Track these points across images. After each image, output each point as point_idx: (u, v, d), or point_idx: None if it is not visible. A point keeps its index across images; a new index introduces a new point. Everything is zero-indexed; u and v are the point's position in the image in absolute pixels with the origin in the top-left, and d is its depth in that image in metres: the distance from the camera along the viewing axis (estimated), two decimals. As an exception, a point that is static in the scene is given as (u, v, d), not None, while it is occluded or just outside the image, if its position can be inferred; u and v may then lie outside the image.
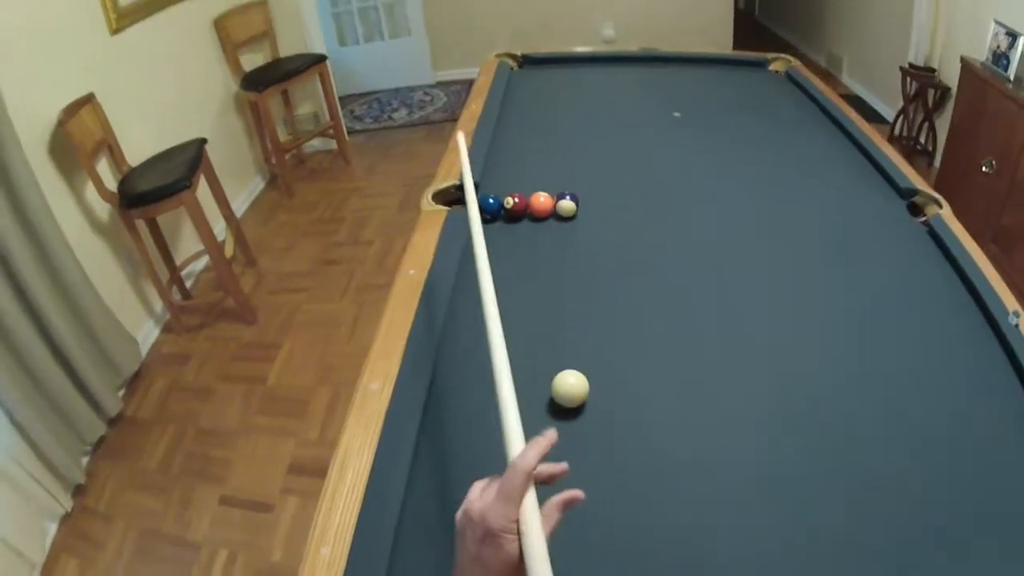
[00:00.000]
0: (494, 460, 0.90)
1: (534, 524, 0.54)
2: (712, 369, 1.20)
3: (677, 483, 0.99)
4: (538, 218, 1.64)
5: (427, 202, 1.70)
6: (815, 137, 2.08)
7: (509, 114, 2.29)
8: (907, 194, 1.72)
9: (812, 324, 1.30)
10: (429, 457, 1.03)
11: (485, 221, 1.64)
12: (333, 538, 0.90)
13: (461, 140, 0.87)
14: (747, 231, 1.61)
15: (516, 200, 1.62)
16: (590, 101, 2.45)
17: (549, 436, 0.59)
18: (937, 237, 1.53)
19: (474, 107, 2.29)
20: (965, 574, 0.85)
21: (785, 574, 0.85)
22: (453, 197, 1.74)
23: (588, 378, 1.08)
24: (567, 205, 1.62)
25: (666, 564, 0.87)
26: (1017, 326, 1.21)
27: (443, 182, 1.78)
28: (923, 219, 1.63)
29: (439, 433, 1.07)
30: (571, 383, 1.07)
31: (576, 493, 0.59)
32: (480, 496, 0.57)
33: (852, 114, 2.18)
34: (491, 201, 1.64)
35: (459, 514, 0.59)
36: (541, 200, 1.63)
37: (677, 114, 2.22)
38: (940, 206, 1.65)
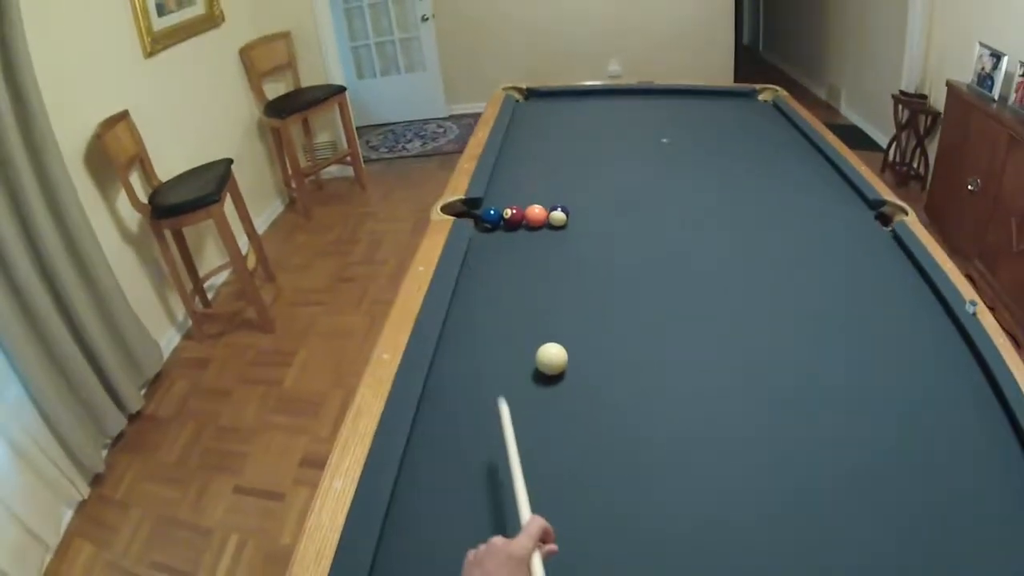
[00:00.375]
0: (485, 415, 1.12)
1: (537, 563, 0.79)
2: (684, 349, 1.37)
3: (646, 448, 1.14)
4: (533, 227, 1.85)
5: (436, 213, 1.90)
6: (794, 158, 2.26)
7: (512, 141, 2.50)
8: (875, 205, 1.89)
9: (782, 316, 1.46)
10: (430, 412, 1.21)
11: (485, 230, 1.85)
12: (344, 473, 1.05)
13: (504, 409, 1.07)
14: (725, 239, 1.79)
15: (514, 211, 1.84)
16: (586, 130, 2.66)
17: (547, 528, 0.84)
18: (901, 241, 1.70)
19: (480, 135, 2.49)
20: (927, 534, 0.96)
21: (759, 539, 0.96)
22: (459, 210, 1.95)
23: (568, 351, 1.27)
24: (558, 216, 1.83)
25: (637, 524, 1.00)
26: (975, 314, 1.36)
27: (450, 197, 1.98)
28: (890, 228, 1.79)
29: (439, 394, 1.25)
30: (553, 352, 1.25)
31: (553, 548, 0.84)
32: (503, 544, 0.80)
33: (830, 137, 2.36)
34: (492, 212, 1.85)
35: (476, 551, 0.81)
36: (536, 211, 1.84)
37: (665, 140, 2.41)
38: (906, 213, 1.82)
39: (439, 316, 1.44)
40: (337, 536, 0.95)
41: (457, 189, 2.03)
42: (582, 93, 3.07)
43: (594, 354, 1.34)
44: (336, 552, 0.92)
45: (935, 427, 1.14)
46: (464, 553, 0.80)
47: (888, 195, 1.91)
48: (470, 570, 0.79)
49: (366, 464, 1.07)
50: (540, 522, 0.82)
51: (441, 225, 1.82)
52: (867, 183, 1.98)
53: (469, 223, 1.85)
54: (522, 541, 0.80)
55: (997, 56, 3.08)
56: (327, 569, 0.90)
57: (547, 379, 1.27)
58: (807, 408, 1.19)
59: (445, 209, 1.92)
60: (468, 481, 1.07)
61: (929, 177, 3.96)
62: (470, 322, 1.46)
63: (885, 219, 1.86)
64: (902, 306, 1.48)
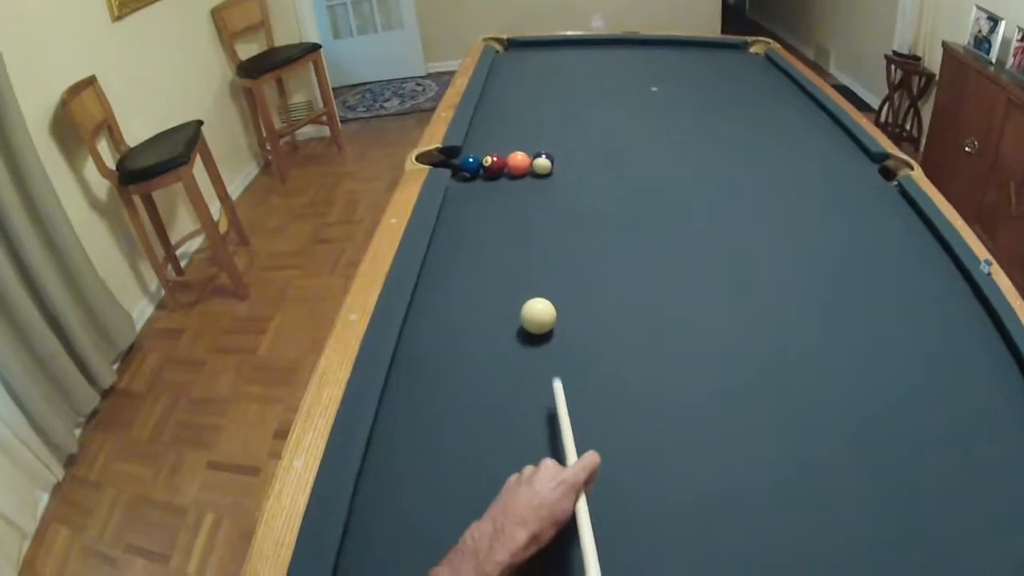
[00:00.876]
0: (463, 380, 1.05)
1: (583, 504, 0.76)
2: (683, 304, 1.25)
3: (635, 406, 1.03)
4: (515, 175, 1.70)
5: (411, 162, 1.76)
6: (791, 110, 2.14)
7: (492, 90, 2.35)
8: (879, 158, 1.78)
9: (784, 270, 1.35)
10: (403, 378, 1.08)
11: (464, 179, 1.71)
12: (307, 450, 0.94)
13: (559, 388, 0.94)
14: (719, 189, 1.66)
15: (494, 159, 1.69)
16: (570, 79, 2.51)
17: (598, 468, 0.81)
18: (908, 196, 1.58)
19: (459, 83, 2.35)
20: (942, 499, 0.87)
21: (767, 509, 0.86)
22: (436, 159, 1.80)
23: (557, 307, 1.14)
24: (542, 163, 1.68)
25: (636, 498, 0.89)
26: (989, 274, 1.26)
27: (427, 145, 1.84)
28: (895, 183, 1.68)
29: (413, 358, 1.13)
30: (539, 309, 1.12)
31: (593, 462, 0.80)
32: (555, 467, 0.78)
33: (828, 90, 2.24)
34: (471, 160, 1.71)
35: (520, 473, 0.78)
36: (518, 158, 1.69)
37: (655, 88, 2.28)
38: (911, 168, 1.71)
39: (412, 272, 1.30)
40: (299, 522, 0.83)
41: (434, 138, 1.89)
42: (565, 43, 2.92)
43: (585, 310, 1.22)
44: (297, 540, 0.81)
45: (951, 389, 1.05)
46: (443, 534, 0.72)
47: (892, 149, 1.80)
48: (515, 487, 0.76)
49: (330, 439, 0.95)
50: (597, 459, 0.80)
51: (416, 175, 1.69)
52: (869, 135, 1.87)
53: (446, 173, 1.72)
54: (575, 469, 0.77)
55: (994, 20, 3.00)
56: (288, 559, 0.79)
57: (533, 339, 1.14)
58: (816, 368, 1.09)
59: (421, 159, 1.78)
60: (446, 454, 0.96)
61: (923, 139, 3.88)
62: (447, 278, 1.33)
63: (888, 174, 1.75)
64: (913, 263, 1.37)
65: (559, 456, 0.85)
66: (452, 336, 1.19)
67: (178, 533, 2.17)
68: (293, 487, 0.88)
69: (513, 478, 0.78)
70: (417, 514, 0.87)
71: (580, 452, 0.82)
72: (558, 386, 0.97)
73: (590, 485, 0.79)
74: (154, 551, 2.13)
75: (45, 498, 2.37)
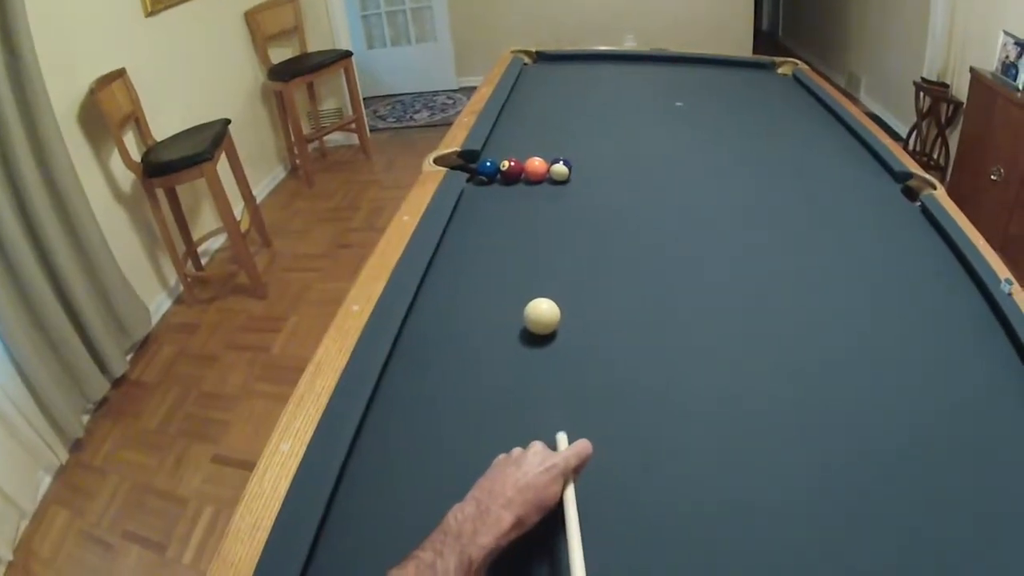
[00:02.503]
0: (460, 375, 1.05)
1: (571, 492, 0.75)
2: (697, 315, 1.22)
3: (639, 408, 1.00)
4: (532, 181, 1.69)
5: (429, 164, 1.77)
6: (816, 126, 2.11)
7: (517, 99, 2.35)
8: (901, 177, 1.74)
9: (803, 281, 1.31)
10: (400, 370, 1.07)
11: (481, 183, 1.71)
12: (295, 435, 0.93)
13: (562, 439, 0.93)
14: (740, 204, 1.63)
15: (512, 163, 1.68)
16: (596, 92, 2.50)
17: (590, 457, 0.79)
18: (930, 215, 1.55)
19: (483, 91, 2.35)
20: (938, 500, 0.84)
21: (784, 523, 0.82)
22: (454, 163, 1.81)
23: (563, 309, 1.12)
24: (560, 169, 1.67)
25: (645, 504, 0.85)
26: (1010, 294, 1.22)
27: (446, 149, 1.84)
28: (918, 202, 1.65)
29: (411, 351, 1.11)
30: (543, 309, 1.10)
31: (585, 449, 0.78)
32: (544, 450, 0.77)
33: (853, 109, 2.22)
34: (488, 164, 1.70)
35: (509, 454, 0.77)
36: (536, 163, 1.67)
37: (679, 103, 2.26)
38: (934, 188, 1.68)
39: (419, 268, 1.29)
40: (278, 506, 0.82)
41: (454, 141, 1.89)
42: (594, 57, 2.92)
43: (592, 313, 1.20)
44: (275, 524, 0.79)
45: (971, 408, 1.00)
46: (429, 523, 0.69)
47: (915, 168, 1.77)
48: (502, 467, 0.74)
49: (320, 425, 0.94)
50: (589, 447, 0.78)
51: (433, 176, 1.69)
52: (892, 155, 1.84)
53: (464, 176, 1.71)
54: (566, 454, 0.76)
55: (1021, 46, 2.96)
56: (262, 543, 0.77)
57: (536, 339, 1.12)
58: (828, 379, 1.05)
59: (439, 161, 1.78)
60: (437, 448, 0.94)
61: (950, 167, 3.81)
62: (454, 276, 1.32)
63: (911, 194, 1.72)
64: (933, 280, 1.33)
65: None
66: (454, 332, 1.18)
67: (177, 523, 2.18)
68: (277, 470, 0.87)
69: (501, 457, 0.76)
70: (403, 504, 0.85)
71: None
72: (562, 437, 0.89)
73: (579, 473, 0.77)
74: (151, 539, 2.14)
75: (47, 480, 2.39)
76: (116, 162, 2.96)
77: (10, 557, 2.10)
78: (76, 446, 2.52)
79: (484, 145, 1.90)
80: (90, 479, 2.38)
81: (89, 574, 2.07)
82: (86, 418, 2.64)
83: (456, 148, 1.84)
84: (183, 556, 2.06)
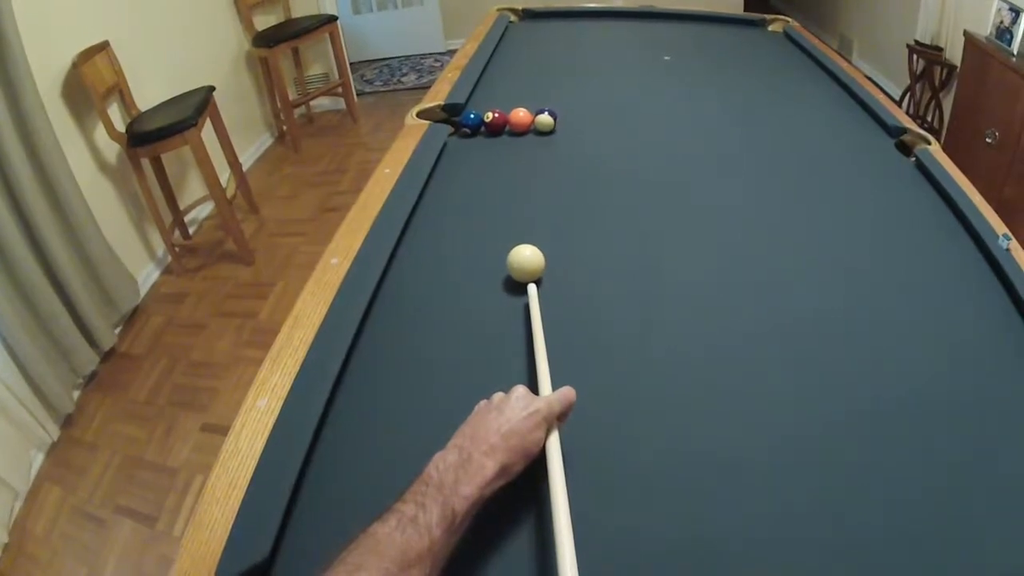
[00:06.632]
0: (442, 324, 1.02)
1: (555, 439, 0.72)
2: (685, 267, 1.19)
3: (628, 356, 0.98)
4: (517, 132, 1.66)
5: (411, 117, 1.73)
6: (807, 85, 2.07)
7: (502, 54, 2.31)
8: (895, 132, 1.71)
9: (795, 236, 1.27)
10: (380, 322, 1.05)
11: (465, 135, 1.67)
12: (272, 390, 0.90)
13: (533, 292, 0.93)
14: (728, 154, 1.60)
15: (496, 114, 1.64)
16: (583, 47, 2.46)
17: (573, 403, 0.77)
18: (925, 170, 1.52)
19: (468, 47, 2.31)
20: (956, 487, 0.79)
21: (774, 483, 0.79)
22: (437, 116, 1.77)
23: (548, 256, 1.10)
24: (545, 119, 1.63)
25: (635, 457, 0.83)
26: (1008, 249, 1.20)
27: (429, 103, 1.80)
28: (912, 157, 1.62)
29: (392, 303, 1.09)
30: (526, 255, 1.08)
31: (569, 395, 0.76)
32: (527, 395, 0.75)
33: (845, 65, 2.18)
34: (471, 115, 1.67)
35: (489, 399, 0.75)
36: (520, 114, 1.64)
37: (667, 57, 2.22)
38: (929, 143, 1.65)
39: (400, 220, 1.26)
40: (254, 464, 0.79)
41: (437, 95, 1.84)
42: (581, 14, 2.88)
43: (578, 260, 1.17)
44: (251, 483, 0.77)
45: (968, 366, 0.97)
46: (411, 476, 0.66)
47: (909, 124, 1.74)
48: (484, 412, 0.72)
49: (297, 378, 0.91)
50: (572, 394, 0.76)
51: (415, 129, 1.65)
52: (886, 110, 1.81)
53: (447, 129, 1.67)
54: (550, 399, 0.74)
55: (1016, 11, 2.91)
56: (238, 503, 0.75)
57: (520, 287, 1.09)
58: (821, 332, 1.02)
59: (422, 115, 1.74)
60: (419, 397, 0.92)
61: (944, 130, 3.77)
62: (436, 227, 1.29)
63: (906, 149, 1.69)
64: (930, 236, 1.30)
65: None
66: (435, 282, 1.15)
67: (167, 495, 2.16)
68: (253, 428, 0.85)
69: (482, 403, 0.74)
70: (384, 455, 0.83)
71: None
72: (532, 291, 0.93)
73: (563, 421, 0.75)
74: (142, 512, 2.12)
75: (40, 458, 2.36)
76: (101, 135, 2.92)
77: (6, 539, 2.08)
78: (67, 422, 2.50)
79: (468, 99, 1.86)
80: (82, 455, 2.36)
81: (83, 551, 2.05)
82: (76, 393, 2.61)
83: (440, 102, 1.80)
84: (173, 529, 2.05)
